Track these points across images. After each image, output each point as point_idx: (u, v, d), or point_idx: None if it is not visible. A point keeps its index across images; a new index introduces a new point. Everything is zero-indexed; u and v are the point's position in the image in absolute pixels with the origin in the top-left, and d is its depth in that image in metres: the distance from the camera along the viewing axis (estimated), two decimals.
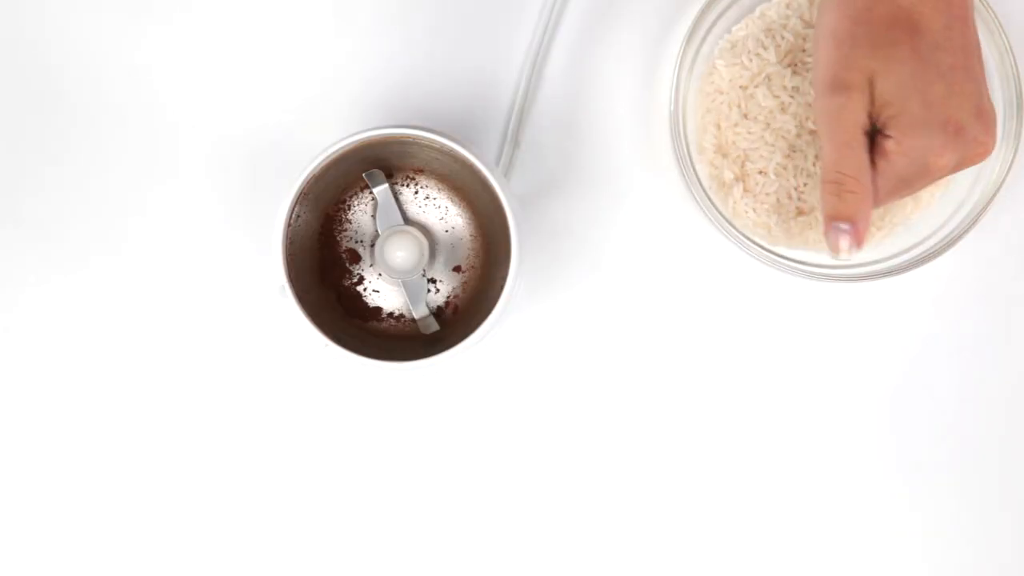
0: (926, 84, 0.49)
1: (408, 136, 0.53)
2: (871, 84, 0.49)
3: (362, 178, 0.56)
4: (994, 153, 0.58)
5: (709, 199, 0.57)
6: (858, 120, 0.50)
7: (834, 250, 0.51)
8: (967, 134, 0.50)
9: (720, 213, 0.57)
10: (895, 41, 0.49)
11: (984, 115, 0.51)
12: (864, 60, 0.49)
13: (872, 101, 0.50)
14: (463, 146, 0.53)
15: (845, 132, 0.50)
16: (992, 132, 0.51)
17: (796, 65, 0.57)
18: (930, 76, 0.49)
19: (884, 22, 0.49)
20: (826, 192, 0.51)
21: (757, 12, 0.59)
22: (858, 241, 0.51)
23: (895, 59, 0.49)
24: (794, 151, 0.58)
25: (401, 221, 0.56)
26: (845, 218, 0.51)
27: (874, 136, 0.51)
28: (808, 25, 0.58)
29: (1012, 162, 0.57)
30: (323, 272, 0.58)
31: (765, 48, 0.57)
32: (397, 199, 0.57)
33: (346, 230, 0.58)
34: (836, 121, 0.50)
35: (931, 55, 0.49)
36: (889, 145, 0.50)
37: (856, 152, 0.50)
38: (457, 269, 0.58)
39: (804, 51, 0.57)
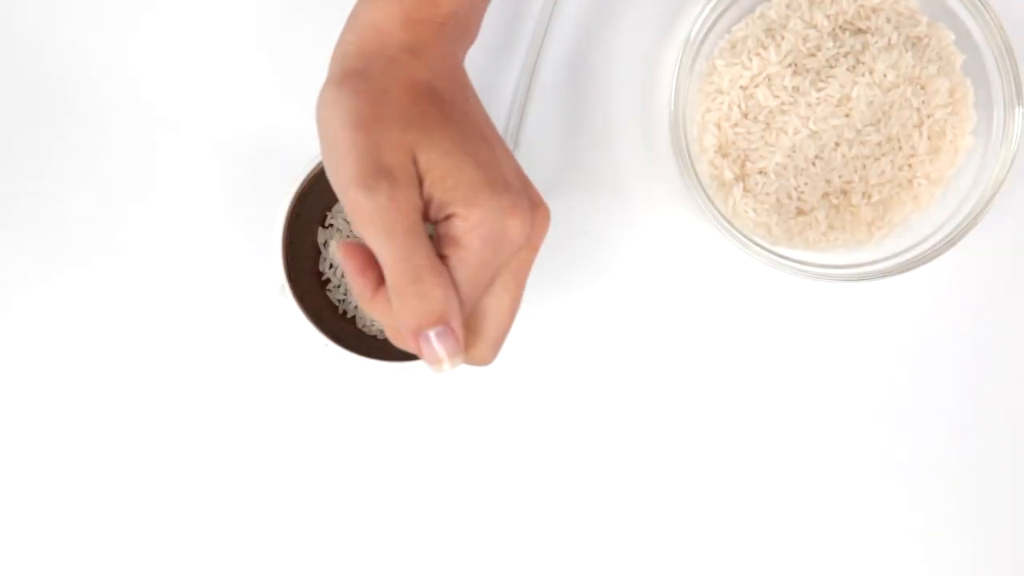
0: (473, 147, 0.42)
1: None
2: (415, 161, 0.41)
3: None
4: (994, 153, 0.58)
5: (709, 199, 0.57)
6: (413, 203, 0.41)
7: (435, 363, 0.41)
8: (524, 196, 0.43)
9: (720, 213, 0.57)
10: (426, 112, 0.42)
11: (527, 181, 0.45)
12: (400, 136, 0.41)
13: (421, 181, 0.42)
14: None
15: (405, 218, 0.41)
16: (541, 197, 0.45)
17: (796, 65, 0.57)
18: (473, 139, 0.43)
19: (408, 98, 0.43)
20: (404, 296, 0.40)
21: (757, 12, 0.59)
22: (458, 341, 0.41)
23: (433, 128, 0.42)
24: (794, 151, 0.58)
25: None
26: (437, 319, 0.40)
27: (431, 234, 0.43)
28: (809, 25, 0.58)
29: (1012, 162, 0.57)
30: (323, 272, 0.58)
31: (765, 48, 0.57)
32: None
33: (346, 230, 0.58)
34: (388, 211, 0.40)
35: (465, 120, 0.43)
36: (457, 226, 0.41)
37: (423, 238, 0.41)
38: None
39: (804, 51, 0.57)
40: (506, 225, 0.42)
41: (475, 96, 0.46)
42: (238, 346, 0.60)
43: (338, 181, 0.41)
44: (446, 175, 0.41)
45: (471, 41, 0.49)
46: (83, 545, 0.60)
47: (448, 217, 0.42)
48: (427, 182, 0.41)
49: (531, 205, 0.43)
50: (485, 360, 0.44)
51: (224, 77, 0.60)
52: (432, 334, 0.41)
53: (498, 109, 0.60)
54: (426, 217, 0.42)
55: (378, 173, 0.40)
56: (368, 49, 0.45)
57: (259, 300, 0.60)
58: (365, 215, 0.40)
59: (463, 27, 0.47)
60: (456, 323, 0.41)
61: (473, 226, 0.41)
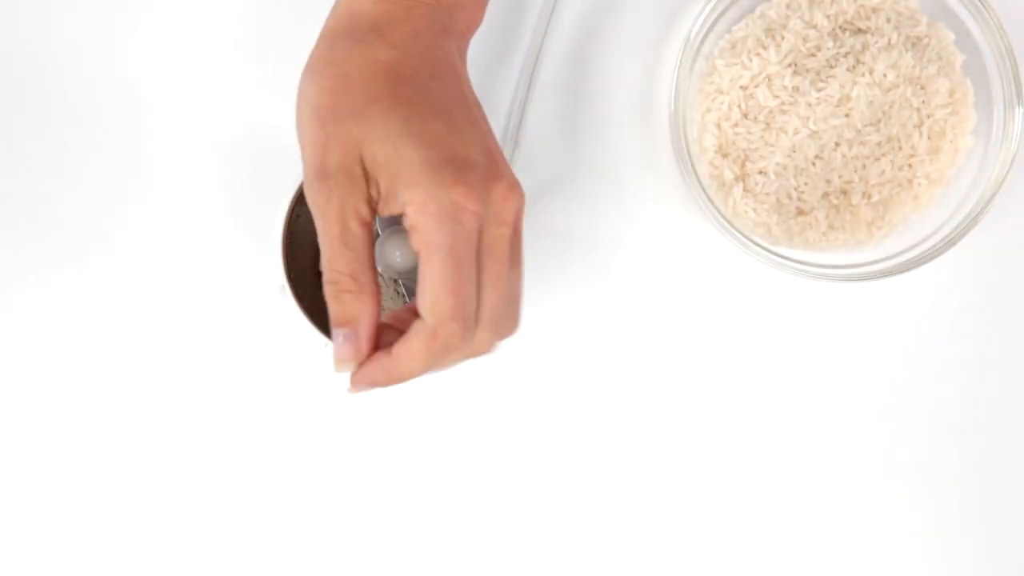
0: (421, 125, 0.42)
1: None
2: (361, 160, 0.42)
3: None
4: (994, 153, 0.58)
5: (709, 199, 0.57)
6: (346, 208, 0.42)
7: (335, 362, 0.44)
8: (480, 170, 0.42)
9: (720, 213, 0.57)
10: (376, 99, 0.42)
11: (494, 154, 0.44)
12: (346, 133, 0.42)
13: (368, 177, 0.42)
14: None
15: (334, 224, 0.42)
16: (509, 172, 0.43)
17: (796, 65, 0.57)
18: (423, 118, 0.42)
19: (364, 83, 0.43)
20: (327, 296, 0.43)
21: (757, 12, 0.59)
22: (359, 348, 0.43)
23: (378, 115, 0.42)
24: (794, 151, 0.58)
25: (401, 221, 0.56)
26: (345, 322, 0.43)
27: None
28: (809, 25, 0.58)
29: (1012, 162, 0.57)
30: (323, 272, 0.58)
31: (765, 48, 0.57)
32: None
33: None
34: (324, 213, 0.42)
35: (422, 99, 0.43)
36: (409, 215, 0.41)
37: (350, 245, 0.42)
38: None
39: (804, 51, 0.57)
40: (452, 196, 0.41)
41: (453, 75, 0.45)
42: (238, 346, 0.60)
43: (304, 172, 0.43)
44: (387, 162, 0.41)
45: (469, 24, 0.49)
46: (83, 545, 0.60)
47: (404, 211, 0.42)
48: (374, 173, 0.42)
49: (488, 177, 0.42)
50: (483, 347, 0.44)
51: (224, 77, 0.60)
52: (340, 335, 0.43)
53: (498, 109, 0.60)
54: (386, 211, 0.43)
55: (321, 174, 0.42)
56: (338, 30, 0.45)
57: (259, 300, 0.60)
58: (312, 209, 0.43)
59: (450, 7, 0.47)
60: (363, 332, 0.43)
61: (419, 208, 0.41)
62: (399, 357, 0.43)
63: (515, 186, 0.43)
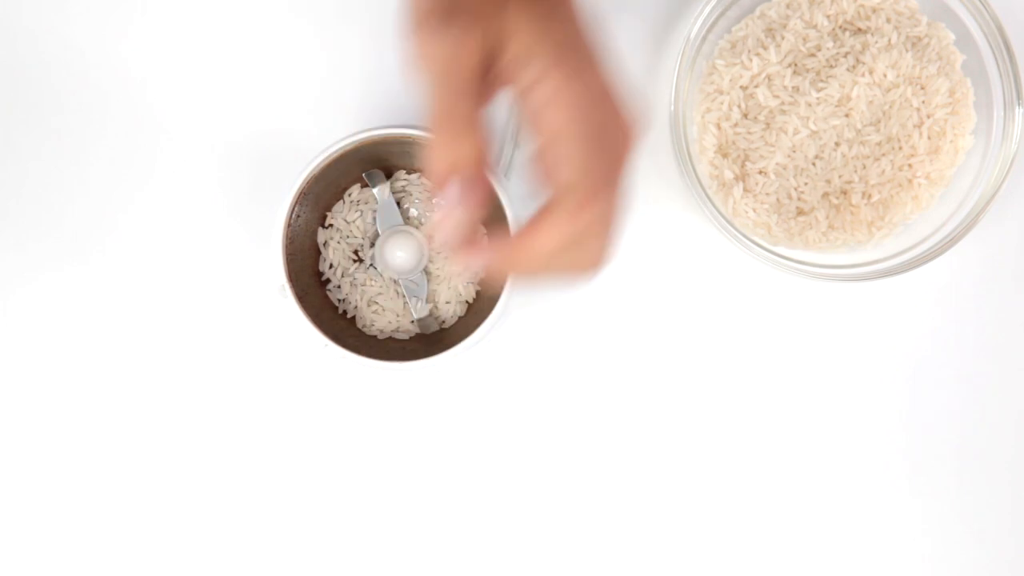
0: (558, 24, 0.39)
1: (408, 136, 0.53)
2: (502, 16, 0.38)
3: (362, 178, 0.57)
4: (994, 153, 0.58)
5: (709, 199, 0.57)
6: (479, 54, 0.38)
7: (451, 208, 0.40)
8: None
9: (720, 213, 0.57)
10: None
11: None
12: None
13: (504, 38, 0.38)
14: None
15: (465, 66, 0.38)
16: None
17: (796, 65, 0.57)
18: (556, 17, 0.39)
19: None
20: (440, 143, 0.39)
21: (757, 12, 0.59)
22: (485, 191, 0.40)
23: (519, 2, 0.39)
24: (794, 151, 0.58)
25: (401, 221, 0.56)
26: (465, 165, 0.39)
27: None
28: (809, 25, 0.58)
29: (1012, 162, 0.58)
30: (323, 272, 0.58)
31: (765, 48, 0.57)
32: (397, 199, 0.57)
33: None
34: (453, 51, 0.38)
35: (554, 12, 0.40)
36: (545, 84, 0.38)
37: (474, 94, 0.39)
38: None
39: (804, 51, 0.57)
40: (589, 83, 0.38)
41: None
42: (238, 346, 0.60)
43: (415, 11, 0.39)
44: (530, 29, 0.38)
45: None
46: (82, 543, 0.60)
47: (536, 80, 0.38)
48: (508, 35, 0.38)
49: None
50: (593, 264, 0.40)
51: (226, 79, 0.60)
52: (463, 183, 0.39)
53: (498, 108, 0.60)
54: (507, 79, 0.39)
55: (457, 9, 0.38)
56: None
57: (259, 300, 0.60)
58: (429, 50, 0.38)
59: None
60: (481, 177, 0.39)
61: (564, 82, 0.38)
62: (539, 228, 0.39)
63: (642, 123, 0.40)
